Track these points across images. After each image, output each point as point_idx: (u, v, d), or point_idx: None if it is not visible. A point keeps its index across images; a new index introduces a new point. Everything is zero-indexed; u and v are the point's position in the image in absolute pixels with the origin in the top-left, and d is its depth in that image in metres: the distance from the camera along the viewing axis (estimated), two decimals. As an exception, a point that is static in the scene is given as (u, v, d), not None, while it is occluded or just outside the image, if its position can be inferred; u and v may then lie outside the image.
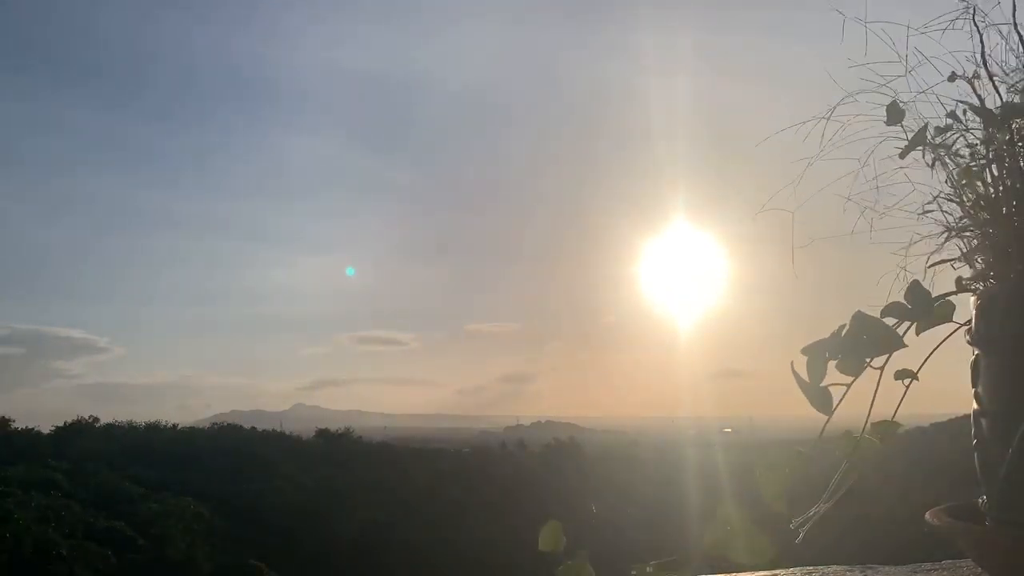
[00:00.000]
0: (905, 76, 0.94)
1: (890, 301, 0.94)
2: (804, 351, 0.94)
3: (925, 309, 0.91)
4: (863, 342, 0.92)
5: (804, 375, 0.92)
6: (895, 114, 0.94)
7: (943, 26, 0.92)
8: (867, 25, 0.93)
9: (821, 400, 0.92)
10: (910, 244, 0.97)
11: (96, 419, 28.03)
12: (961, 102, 0.92)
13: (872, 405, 0.93)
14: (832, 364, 0.93)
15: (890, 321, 0.92)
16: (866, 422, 0.93)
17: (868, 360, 0.92)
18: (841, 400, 0.92)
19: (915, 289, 0.92)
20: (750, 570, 1.17)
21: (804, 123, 0.98)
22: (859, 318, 0.93)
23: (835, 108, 0.96)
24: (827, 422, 0.93)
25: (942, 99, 0.93)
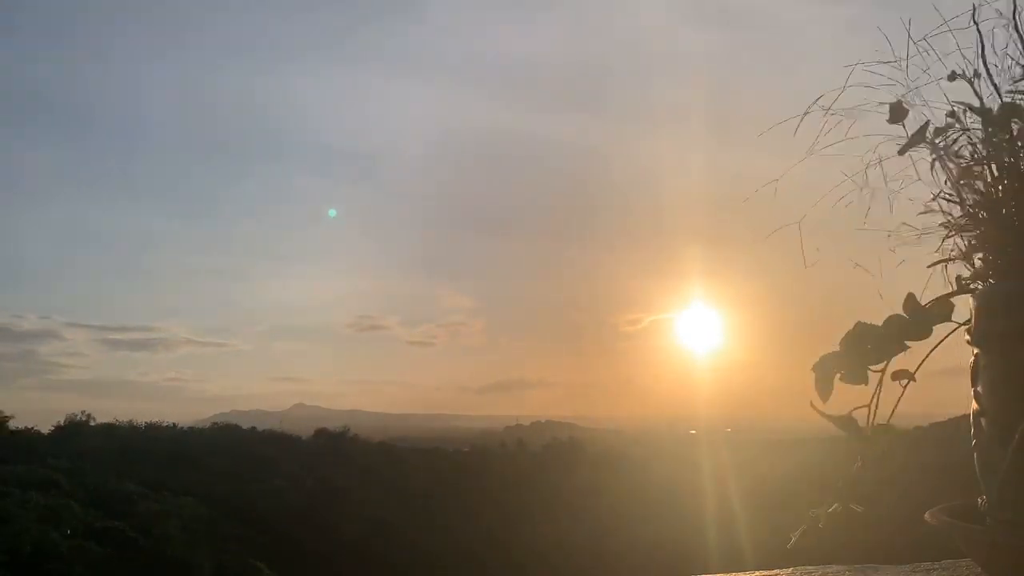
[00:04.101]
0: (905, 73, 0.94)
1: (889, 296, 0.94)
2: (814, 368, 0.94)
3: (923, 327, 0.91)
4: (866, 351, 0.92)
5: (823, 408, 0.93)
6: (898, 113, 0.94)
7: (944, 25, 0.92)
8: (868, 23, 0.93)
9: (850, 428, 0.92)
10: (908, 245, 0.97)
11: (93, 418, 28.03)
12: (960, 103, 0.92)
13: (872, 405, 0.93)
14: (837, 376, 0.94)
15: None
16: (870, 422, 0.93)
17: (872, 367, 0.92)
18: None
19: (911, 303, 0.92)
20: (752, 569, 1.17)
21: (807, 112, 0.98)
22: (860, 329, 0.93)
23: (834, 102, 0.96)
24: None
25: (942, 99, 0.93)
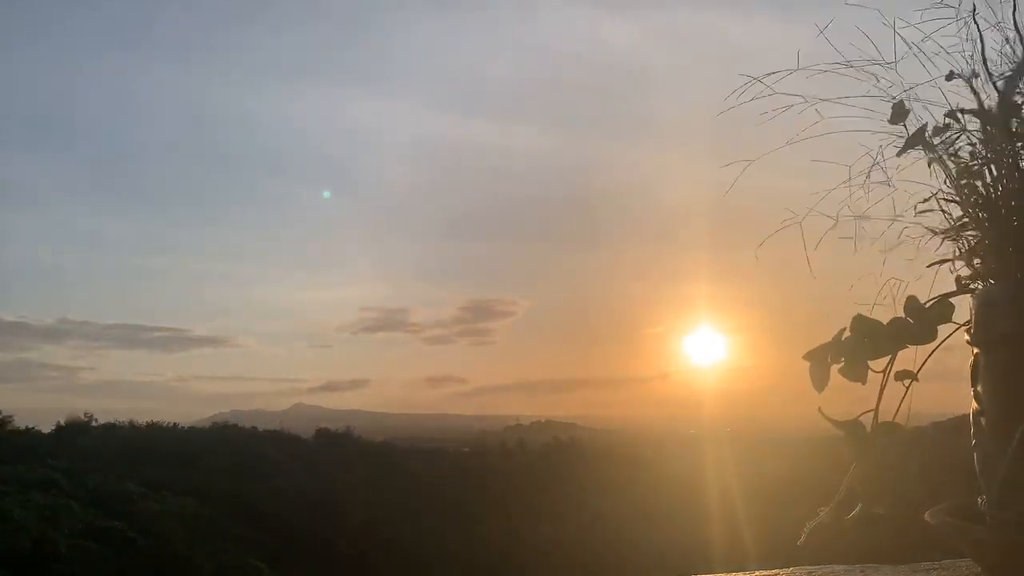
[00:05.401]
0: (896, 71, 0.94)
1: (889, 297, 0.94)
2: (806, 356, 0.94)
3: (926, 329, 0.91)
4: (865, 345, 0.92)
5: (825, 402, 0.93)
6: (899, 114, 0.94)
7: (943, 24, 0.92)
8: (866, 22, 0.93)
9: (855, 432, 0.92)
10: (902, 244, 0.97)
11: (94, 417, 28.03)
12: (958, 110, 0.92)
13: (878, 409, 0.93)
14: (835, 369, 0.93)
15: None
16: (874, 422, 0.93)
17: (873, 368, 0.92)
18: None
19: (913, 305, 0.92)
20: (752, 569, 1.17)
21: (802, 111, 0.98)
22: (859, 321, 0.93)
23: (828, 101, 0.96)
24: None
25: (940, 99, 0.93)
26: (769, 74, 0.95)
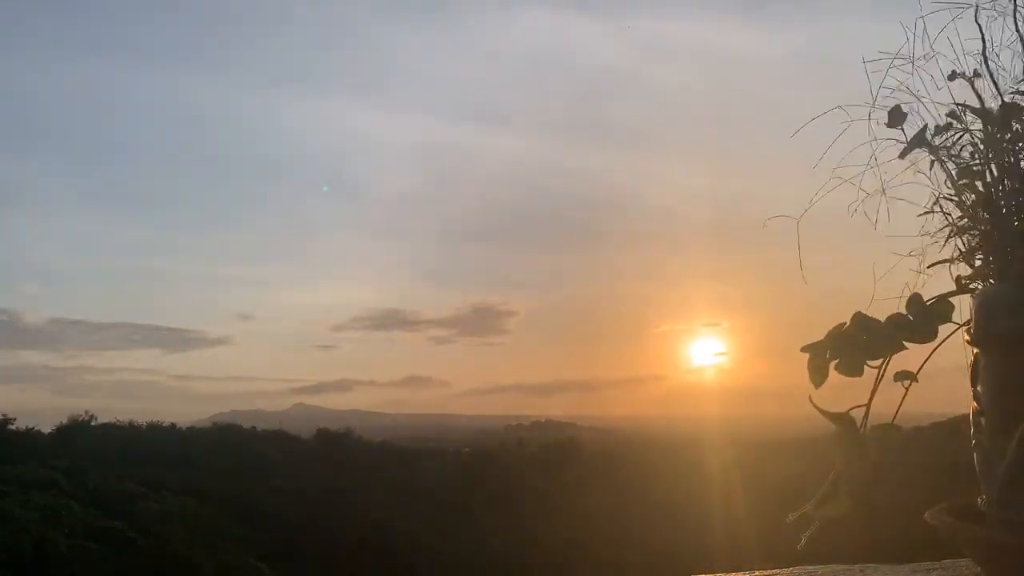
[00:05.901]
0: (912, 73, 0.94)
1: (890, 296, 0.94)
2: (805, 349, 0.94)
3: (927, 327, 0.91)
4: (863, 343, 0.92)
5: (820, 401, 0.92)
6: (896, 117, 0.94)
7: (945, 23, 0.92)
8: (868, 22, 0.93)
9: (845, 425, 0.92)
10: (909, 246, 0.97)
11: (94, 417, 28.03)
12: (960, 105, 0.92)
13: (870, 405, 0.92)
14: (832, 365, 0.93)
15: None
16: (865, 421, 0.93)
17: (870, 364, 0.92)
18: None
19: (915, 303, 0.92)
20: (752, 568, 1.17)
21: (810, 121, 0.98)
22: (858, 319, 0.93)
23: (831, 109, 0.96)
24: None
25: (943, 99, 0.93)
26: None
